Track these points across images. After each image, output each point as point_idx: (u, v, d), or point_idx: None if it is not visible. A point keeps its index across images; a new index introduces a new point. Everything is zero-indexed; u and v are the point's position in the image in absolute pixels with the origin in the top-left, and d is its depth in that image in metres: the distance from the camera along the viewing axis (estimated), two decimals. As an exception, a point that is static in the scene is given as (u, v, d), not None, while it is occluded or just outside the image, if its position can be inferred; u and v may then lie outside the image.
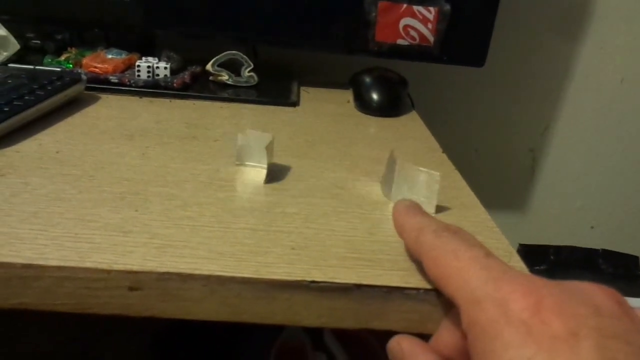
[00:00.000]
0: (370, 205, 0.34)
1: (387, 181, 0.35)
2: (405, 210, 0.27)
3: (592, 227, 0.93)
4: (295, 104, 0.56)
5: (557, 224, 0.92)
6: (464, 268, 0.20)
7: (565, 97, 0.84)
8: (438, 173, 0.32)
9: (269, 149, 0.35)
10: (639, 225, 0.92)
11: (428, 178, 0.33)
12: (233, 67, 0.58)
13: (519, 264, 0.29)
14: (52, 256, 0.24)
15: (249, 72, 0.58)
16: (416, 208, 0.27)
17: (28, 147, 0.37)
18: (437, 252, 0.22)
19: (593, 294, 0.18)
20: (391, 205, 0.34)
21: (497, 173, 0.88)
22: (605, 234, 0.93)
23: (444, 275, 0.21)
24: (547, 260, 0.87)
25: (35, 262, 0.24)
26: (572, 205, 0.91)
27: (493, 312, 0.18)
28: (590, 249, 0.90)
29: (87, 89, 0.50)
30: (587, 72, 0.83)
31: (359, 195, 0.35)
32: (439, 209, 0.34)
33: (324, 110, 0.55)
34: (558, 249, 0.89)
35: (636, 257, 0.89)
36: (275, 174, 0.37)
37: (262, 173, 0.36)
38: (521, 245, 0.90)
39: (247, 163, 0.37)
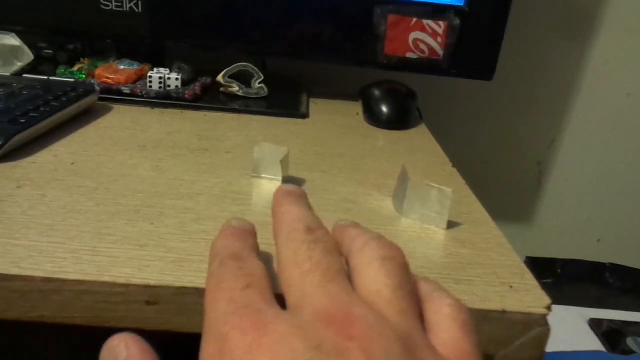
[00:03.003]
0: (382, 220, 0.34)
1: (398, 196, 0.36)
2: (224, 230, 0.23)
3: (598, 240, 0.93)
4: (304, 115, 0.56)
5: (563, 236, 0.92)
6: (216, 298, 0.18)
7: (571, 110, 0.85)
8: (450, 189, 0.33)
9: (284, 162, 0.36)
10: (645, 239, 0.92)
11: (439, 194, 0.33)
12: (243, 78, 0.58)
13: (531, 281, 0.29)
14: (71, 269, 0.25)
15: (259, 83, 0.58)
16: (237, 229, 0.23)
17: (43, 158, 0.38)
18: (208, 280, 0.20)
19: (320, 328, 0.16)
20: (403, 220, 0.35)
21: (504, 185, 0.89)
22: (611, 247, 0.93)
23: (204, 306, 0.19)
24: (553, 273, 0.87)
25: (55, 276, 0.24)
26: (579, 218, 0.91)
27: (212, 348, 0.17)
28: (598, 262, 0.90)
29: (100, 99, 0.50)
30: (593, 86, 0.83)
31: (371, 210, 0.35)
32: (450, 224, 0.34)
33: (334, 122, 0.56)
34: (565, 262, 0.88)
35: (643, 272, 0.89)
36: (287, 187, 0.37)
37: (276, 185, 0.36)
38: (528, 257, 0.90)
39: (262, 175, 0.38)
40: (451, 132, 0.83)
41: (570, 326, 0.70)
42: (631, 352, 0.66)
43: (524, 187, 0.90)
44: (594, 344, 0.67)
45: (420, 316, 0.19)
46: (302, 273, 0.19)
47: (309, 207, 0.24)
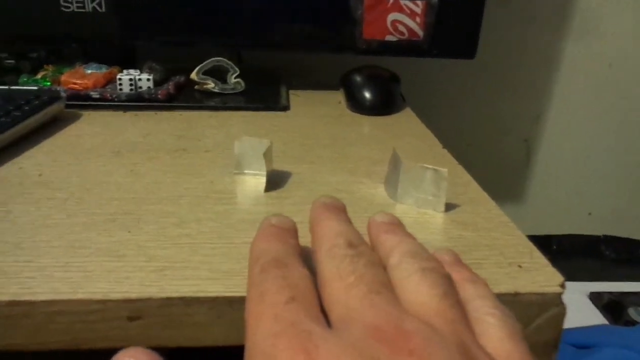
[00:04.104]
0: (377, 207, 0.32)
1: (391, 182, 0.34)
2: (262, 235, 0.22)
3: (589, 214, 0.93)
4: (286, 108, 0.54)
5: (555, 212, 0.92)
6: (259, 315, 0.17)
7: (555, 85, 0.84)
8: (445, 169, 0.31)
9: (268, 155, 0.34)
10: (635, 209, 0.92)
11: (435, 175, 0.31)
12: (218, 74, 0.56)
13: (541, 259, 0.27)
14: (41, 290, 0.22)
15: (235, 78, 0.56)
16: (280, 231, 0.22)
17: (7, 171, 0.35)
18: (250, 291, 0.19)
19: (375, 345, 0.15)
20: (398, 206, 0.33)
21: (493, 166, 0.87)
22: (602, 220, 0.93)
23: (246, 318, 0.18)
24: (550, 250, 0.86)
25: (22, 298, 0.22)
26: (569, 192, 0.91)
27: None
28: (592, 235, 0.89)
29: (68, 106, 0.48)
30: (575, 59, 0.82)
31: (364, 198, 0.34)
32: (448, 206, 0.32)
33: (316, 112, 0.54)
34: (560, 238, 0.88)
35: (638, 241, 0.88)
36: (274, 181, 0.35)
37: (261, 181, 0.34)
38: (522, 236, 0.89)
39: (245, 171, 0.36)
40: (436, 116, 0.81)
41: (572, 302, 0.68)
42: (634, 322, 0.65)
43: (512, 166, 0.89)
44: (596, 317, 0.67)
45: (470, 324, 0.18)
46: (346, 287, 0.18)
47: (349, 221, 0.22)
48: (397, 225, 0.23)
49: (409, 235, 0.22)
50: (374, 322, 0.16)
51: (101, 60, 0.57)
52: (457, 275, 0.20)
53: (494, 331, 0.17)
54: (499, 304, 0.19)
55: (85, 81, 0.51)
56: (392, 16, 0.56)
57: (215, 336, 0.23)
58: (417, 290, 0.18)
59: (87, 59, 0.57)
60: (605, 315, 0.67)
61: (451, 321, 0.17)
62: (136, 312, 0.22)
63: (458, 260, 0.22)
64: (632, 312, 0.67)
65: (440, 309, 0.17)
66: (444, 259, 0.22)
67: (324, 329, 0.16)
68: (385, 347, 0.15)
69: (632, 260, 0.86)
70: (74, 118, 0.47)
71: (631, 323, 0.65)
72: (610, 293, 0.71)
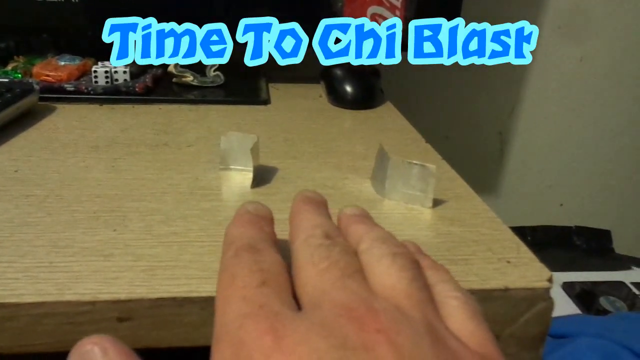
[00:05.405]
0: (365, 204, 0.32)
1: (378, 177, 0.34)
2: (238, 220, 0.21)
3: (561, 205, 0.95)
4: (266, 101, 0.54)
5: (528, 204, 0.94)
6: (229, 297, 0.17)
7: (528, 78, 0.85)
8: (433, 166, 0.31)
9: (255, 151, 0.33)
10: (605, 201, 0.95)
11: (423, 171, 0.32)
12: (197, 66, 0.55)
13: (528, 254, 0.28)
14: (26, 291, 0.21)
15: (214, 71, 0.55)
16: (255, 217, 0.22)
17: (-18, 167, 0.34)
18: (221, 274, 0.19)
19: (343, 324, 0.15)
20: (386, 202, 0.33)
21: (468, 159, 0.89)
22: (573, 211, 0.95)
23: (216, 302, 0.18)
24: (524, 242, 0.88)
25: (6, 301, 0.21)
26: (542, 184, 0.93)
27: (227, 353, 0.15)
28: (564, 226, 0.92)
29: (41, 99, 0.46)
30: (547, 53, 0.84)
31: (351, 194, 0.33)
32: (436, 202, 0.32)
33: (297, 106, 0.53)
34: (534, 229, 0.90)
35: (608, 232, 0.91)
36: (260, 177, 0.34)
37: (246, 177, 0.33)
38: (496, 228, 0.91)
39: (231, 167, 0.35)
40: (411, 108, 0.82)
41: (546, 292, 0.70)
42: (605, 311, 0.67)
43: (487, 158, 0.90)
44: (569, 307, 0.68)
45: (436, 306, 0.18)
46: (319, 271, 0.18)
47: (328, 215, 0.22)
48: (366, 217, 0.23)
49: (378, 226, 0.22)
50: (343, 302, 0.16)
51: (74, 51, 0.55)
52: (420, 263, 0.21)
53: (457, 313, 0.18)
54: (460, 287, 0.20)
55: (59, 73, 0.50)
56: (371, 9, 0.56)
57: (207, 336, 0.23)
58: (387, 272, 0.18)
59: (59, 50, 0.56)
60: (577, 305, 0.69)
61: (419, 302, 0.17)
62: (126, 313, 0.22)
63: (420, 250, 0.23)
64: (603, 301, 0.69)
65: (408, 291, 0.17)
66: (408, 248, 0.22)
67: (294, 312, 0.17)
68: (353, 324, 0.15)
69: (603, 250, 0.89)
70: (48, 111, 0.46)
71: (602, 312, 0.68)
72: (583, 283, 0.73)
